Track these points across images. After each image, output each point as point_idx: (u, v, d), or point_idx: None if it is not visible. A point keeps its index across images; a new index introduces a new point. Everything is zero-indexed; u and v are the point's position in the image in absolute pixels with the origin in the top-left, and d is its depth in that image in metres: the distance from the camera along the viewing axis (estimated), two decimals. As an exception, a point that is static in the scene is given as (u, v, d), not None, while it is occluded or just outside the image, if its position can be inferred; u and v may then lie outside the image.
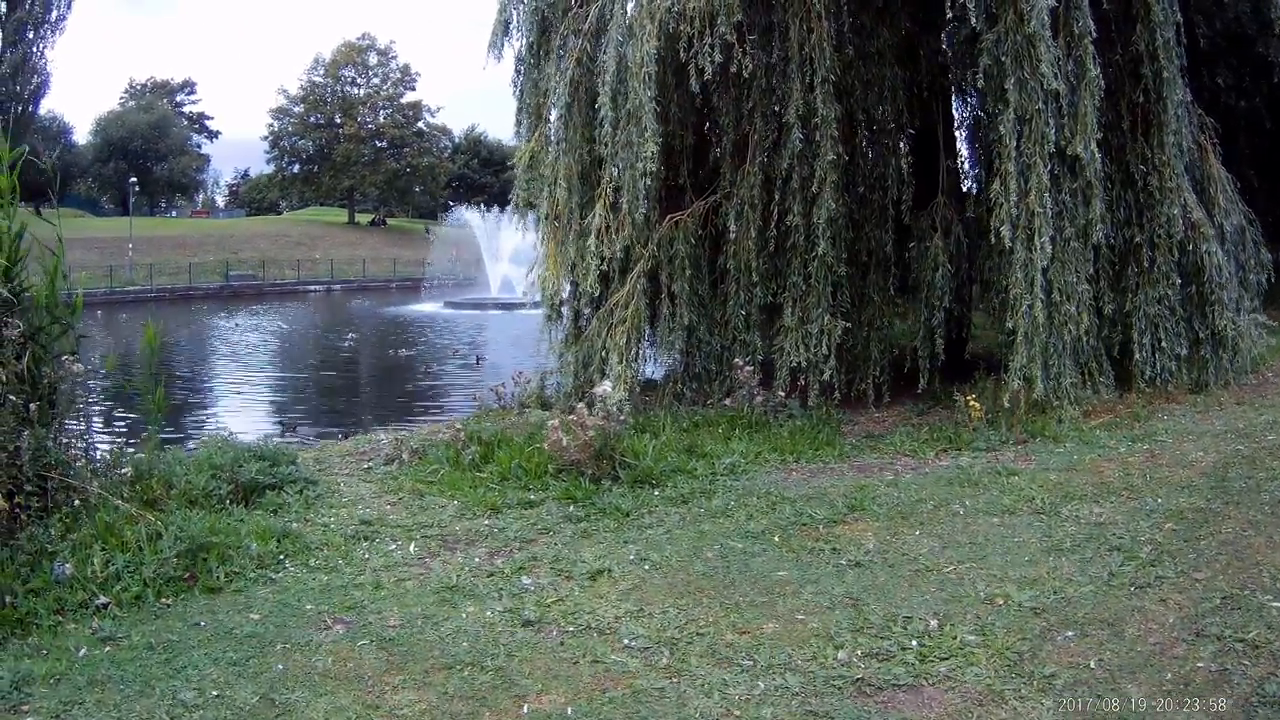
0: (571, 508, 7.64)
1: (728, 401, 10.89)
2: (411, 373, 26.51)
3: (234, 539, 6.49)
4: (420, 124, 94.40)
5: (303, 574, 6.30)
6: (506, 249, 57.35)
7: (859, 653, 4.89)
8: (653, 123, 10.53)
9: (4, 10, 67.69)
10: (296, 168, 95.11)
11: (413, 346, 31.88)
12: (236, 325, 43.19)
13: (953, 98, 13.69)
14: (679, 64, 11.08)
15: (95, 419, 7.73)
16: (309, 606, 5.73)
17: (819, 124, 10.91)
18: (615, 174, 10.83)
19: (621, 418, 8.89)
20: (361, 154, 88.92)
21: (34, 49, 70.36)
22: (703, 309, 11.83)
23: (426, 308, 50.72)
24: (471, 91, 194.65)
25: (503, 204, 72.69)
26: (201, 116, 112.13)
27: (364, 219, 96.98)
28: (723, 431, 10.03)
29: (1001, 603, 5.44)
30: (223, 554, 6.25)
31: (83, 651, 5.07)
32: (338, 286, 69.23)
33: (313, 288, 67.81)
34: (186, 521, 6.45)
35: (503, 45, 13.12)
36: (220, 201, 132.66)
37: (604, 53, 10.87)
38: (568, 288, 12.27)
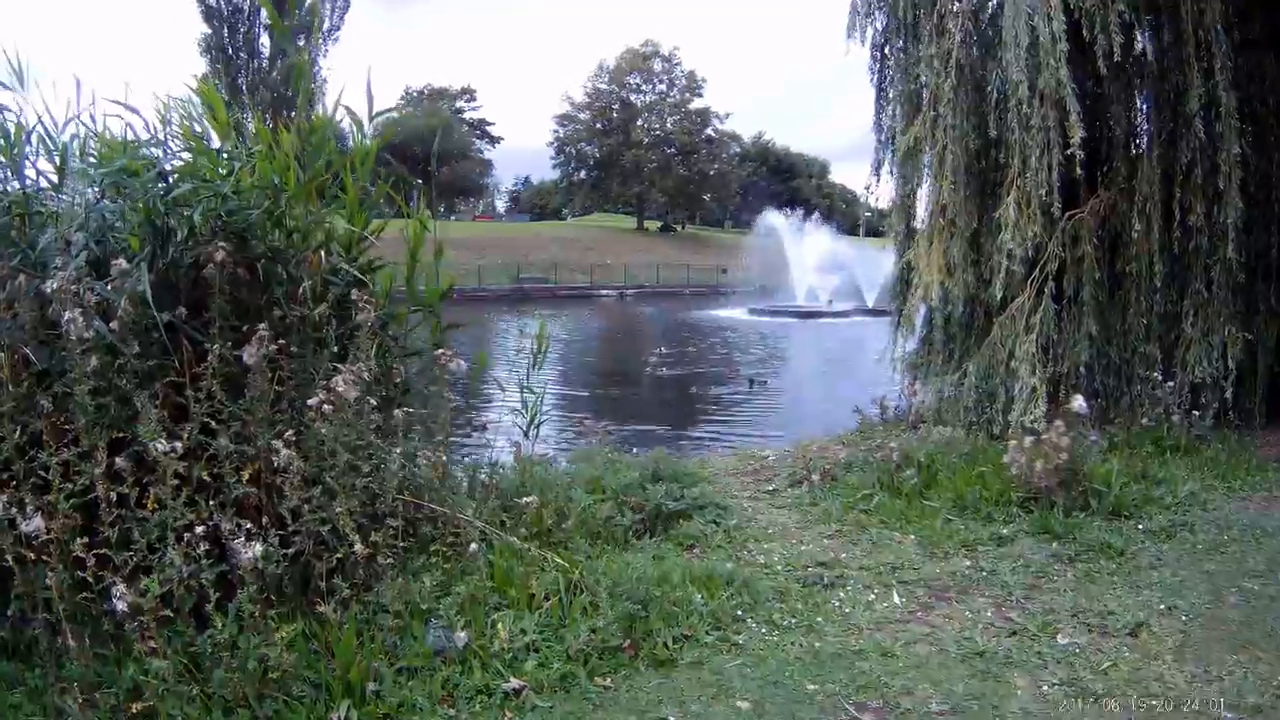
0: (1055, 545, 6.49)
1: (1145, 421, 9.78)
2: (698, 389, 24.01)
3: (673, 590, 5.11)
4: (709, 130, 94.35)
5: (773, 636, 4.97)
6: (810, 255, 56.45)
7: None
8: (1075, 104, 9.18)
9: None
10: (583, 173, 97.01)
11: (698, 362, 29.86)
12: (524, 328, 43.02)
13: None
14: (1073, 43, 9.82)
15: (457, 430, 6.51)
16: (810, 686, 4.43)
17: (1220, 114, 9.73)
18: (1031, 161, 9.44)
19: (1093, 438, 7.77)
20: (650, 160, 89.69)
21: (306, 56, 75.08)
22: (1102, 317, 10.59)
23: (729, 313, 49.64)
24: (751, 102, 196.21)
25: (808, 210, 72.24)
26: (482, 123, 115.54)
27: (652, 225, 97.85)
28: (1148, 453, 9.01)
29: None
30: (664, 611, 4.88)
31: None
32: (631, 291, 69.97)
33: (605, 292, 68.65)
34: (615, 568, 5.15)
35: (865, 28, 12.01)
36: (501, 207, 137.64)
37: (1013, 25, 9.52)
38: (939, 292, 10.98)
